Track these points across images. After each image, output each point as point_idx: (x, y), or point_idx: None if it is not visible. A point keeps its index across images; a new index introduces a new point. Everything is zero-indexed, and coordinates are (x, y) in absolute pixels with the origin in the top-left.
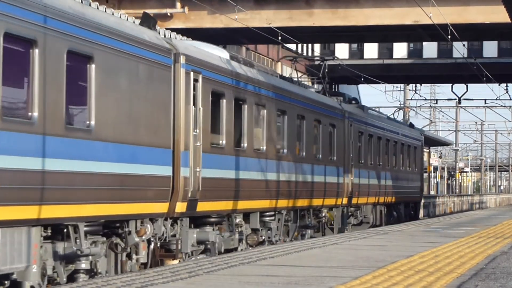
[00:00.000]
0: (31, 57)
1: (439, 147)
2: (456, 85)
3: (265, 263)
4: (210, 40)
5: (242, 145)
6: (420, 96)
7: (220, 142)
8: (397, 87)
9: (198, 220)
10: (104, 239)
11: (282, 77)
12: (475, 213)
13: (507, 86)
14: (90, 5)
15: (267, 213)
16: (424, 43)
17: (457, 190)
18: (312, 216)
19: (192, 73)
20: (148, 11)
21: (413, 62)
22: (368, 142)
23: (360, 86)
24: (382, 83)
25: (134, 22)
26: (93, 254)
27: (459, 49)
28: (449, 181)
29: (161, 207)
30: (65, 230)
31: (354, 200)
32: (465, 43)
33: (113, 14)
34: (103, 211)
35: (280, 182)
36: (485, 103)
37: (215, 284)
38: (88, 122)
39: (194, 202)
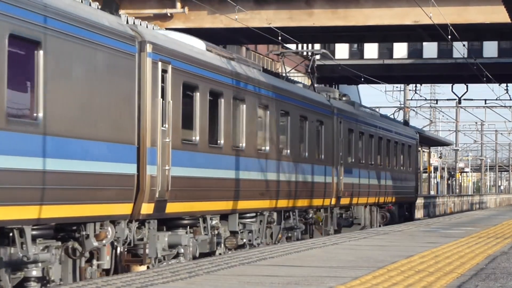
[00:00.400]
0: None
1: (439, 147)
2: (456, 85)
3: (265, 263)
4: (210, 40)
5: (218, 142)
6: (420, 96)
7: (193, 138)
8: (397, 87)
9: (170, 223)
10: (59, 243)
11: (266, 70)
12: (475, 213)
13: (507, 86)
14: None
15: (248, 215)
16: (424, 43)
17: (457, 190)
18: (299, 217)
19: (160, 63)
20: (148, 11)
21: (413, 62)
22: (359, 140)
23: (360, 86)
24: (382, 83)
25: (98, 8)
26: (43, 261)
27: (459, 49)
28: (449, 181)
29: (124, 209)
30: (11, 234)
31: (343, 201)
32: (465, 43)
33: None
34: (54, 213)
35: (262, 182)
36: (485, 103)
37: (215, 284)
38: (35, 114)
39: (162, 203)
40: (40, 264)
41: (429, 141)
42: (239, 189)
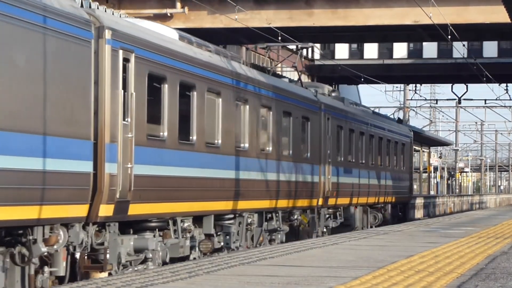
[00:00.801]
0: None
1: (439, 147)
2: (456, 85)
3: (265, 263)
4: (210, 40)
5: (190, 138)
6: (420, 96)
7: (161, 134)
8: (397, 87)
9: (136, 225)
10: (2, 249)
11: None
12: (475, 213)
13: (507, 86)
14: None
15: (226, 216)
16: (424, 43)
17: (457, 190)
18: (282, 219)
19: (121, 51)
20: (148, 11)
21: (413, 62)
22: (349, 138)
23: (360, 86)
24: (382, 83)
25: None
26: None
27: (459, 49)
28: (449, 181)
29: (79, 210)
30: None
31: (331, 201)
32: (465, 43)
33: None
34: None
35: (240, 181)
36: (485, 103)
37: (215, 284)
38: None
39: (124, 204)
40: None
41: (429, 141)
42: (214, 189)
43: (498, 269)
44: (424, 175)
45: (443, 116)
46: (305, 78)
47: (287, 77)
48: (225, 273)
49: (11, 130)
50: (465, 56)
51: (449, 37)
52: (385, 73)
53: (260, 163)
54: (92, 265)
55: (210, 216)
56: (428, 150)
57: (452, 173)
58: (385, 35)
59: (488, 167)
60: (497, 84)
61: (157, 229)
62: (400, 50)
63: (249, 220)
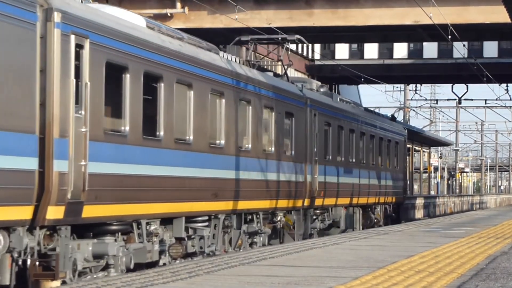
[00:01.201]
0: None
1: (439, 147)
2: (456, 85)
3: (265, 263)
4: (210, 40)
5: (157, 133)
6: (420, 96)
7: (122, 128)
8: (397, 87)
9: (96, 229)
10: None
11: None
12: (475, 213)
13: (507, 86)
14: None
15: (200, 218)
16: (424, 43)
17: (457, 190)
18: (264, 220)
19: (73, 36)
20: (148, 11)
21: (413, 62)
22: (338, 135)
23: (360, 86)
24: (382, 83)
25: None
26: None
27: (459, 49)
28: (449, 182)
29: (21, 213)
30: None
31: (318, 201)
32: (465, 43)
33: None
34: None
35: (215, 180)
36: (485, 103)
37: (215, 284)
38: None
39: (77, 205)
40: None
41: (430, 141)
42: (185, 189)
43: (498, 269)
44: (425, 175)
45: (443, 116)
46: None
47: (272, 71)
48: (225, 273)
49: None
50: (465, 56)
51: (449, 37)
52: (385, 73)
53: (238, 161)
54: (43, 273)
55: (181, 218)
56: (428, 150)
57: (453, 173)
58: (385, 35)
59: (488, 167)
60: (497, 84)
61: (119, 233)
62: (400, 50)
63: (226, 223)
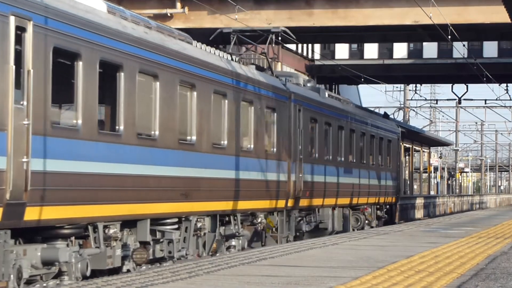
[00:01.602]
0: None
1: (439, 147)
2: (456, 85)
3: (265, 263)
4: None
5: (116, 128)
6: (420, 96)
7: (74, 122)
8: (397, 87)
9: (47, 232)
10: None
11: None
12: (475, 213)
13: (507, 86)
14: None
15: (169, 220)
16: (424, 43)
17: (457, 190)
18: (243, 222)
19: (12, 18)
20: (148, 11)
21: (413, 62)
22: (325, 132)
23: (360, 86)
24: (382, 83)
25: None
26: None
27: (459, 49)
28: (449, 181)
29: None
30: None
31: (303, 202)
32: (465, 43)
33: None
34: None
35: (186, 180)
36: (485, 103)
37: (215, 284)
38: None
39: (17, 207)
40: None
41: (429, 141)
42: (149, 188)
43: (498, 269)
44: (425, 175)
45: (443, 116)
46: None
47: (255, 64)
48: (225, 273)
49: None
50: (465, 56)
51: (449, 37)
52: (385, 73)
53: (212, 158)
54: None
55: (145, 220)
56: (428, 150)
57: (452, 173)
58: (385, 35)
59: (488, 167)
60: (497, 84)
61: (73, 237)
62: (400, 50)
63: (199, 225)
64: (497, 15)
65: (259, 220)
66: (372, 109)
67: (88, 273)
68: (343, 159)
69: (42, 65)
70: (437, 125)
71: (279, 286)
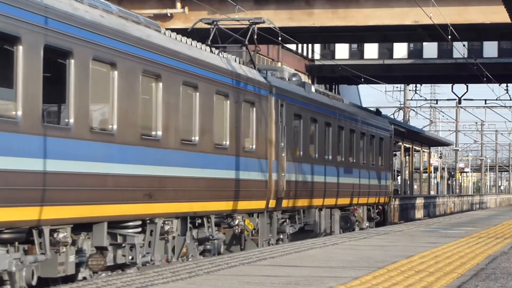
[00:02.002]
0: None
1: (439, 147)
2: (456, 85)
3: (265, 263)
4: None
5: (66, 121)
6: (420, 96)
7: (13, 113)
8: (397, 87)
9: None
10: None
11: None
12: (475, 213)
13: (507, 86)
14: None
15: (131, 223)
16: (424, 43)
17: (457, 190)
18: (219, 225)
19: None
20: (148, 11)
21: (413, 62)
22: (311, 129)
23: (360, 86)
24: (382, 83)
25: None
26: None
27: (459, 49)
28: (449, 182)
29: None
30: None
31: (286, 203)
32: (465, 43)
33: None
34: None
35: (150, 179)
36: (485, 103)
37: (215, 284)
38: None
39: None
40: None
41: (429, 141)
42: (106, 188)
43: (498, 269)
44: (425, 175)
45: (443, 116)
46: (305, 79)
47: (236, 57)
48: (225, 273)
49: None
50: (465, 56)
51: (449, 37)
52: (385, 73)
53: (180, 156)
54: None
55: (102, 224)
56: (428, 150)
57: (452, 173)
58: (385, 35)
59: (488, 167)
60: (497, 84)
61: (16, 242)
62: (400, 50)
63: (166, 228)
64: (497, 15)
65: (236, 222)
66: (372, 109)
67: (34, 282)
68: (330, 157)
69: None
70: (437, 125)
71: (279, 286)
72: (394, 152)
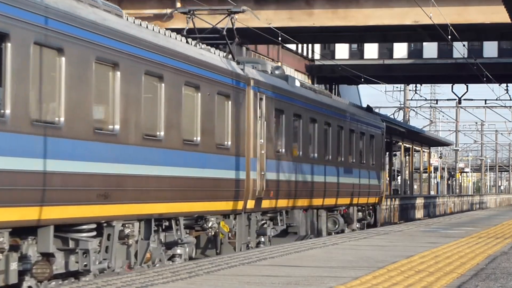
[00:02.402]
0: None
1: (439, 147)
2: (456, 85)
3: (265, 263)
4: (210, 39)
5: (1, 111)
6: (420, 96)
7: None
8: (397, 87)
9: None
10: None
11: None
12: (475, 213)
13: (507, 86)
14: None
15: (85, 227)
16: (424, 43)
17: (457, 190)
18: (190, 227)
19: None
20: (148, 11)
21: (413, 62)
22: (295, 125)
23: (360, 86)
24: (382, 83)
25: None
26: None
27: (459, 49)
28: (449, 182)
29: None
30: None
31: (267, 203)
32: (465, 43)
33: None
34: None
35: (105, 178)
36: (485, 103)
37: (215, 284)
38: None
39: None
40: None
41: (429, 141)
42: (52, 188)
43: (498, 269)
44: (425, 175)
45: (443, 116)
46: (305, 79)
47: (215, 49)
48: (225, 273)
49: None
50: (465, 56)
51: (449, 37)
52: (385, 73)
53: (142, 152)
54: None
55: (48, 227)
56: (428, 150)
57: (452, 173)
58: (385, 35)
59: (488, 167)
60: (497, 84)
61: None
62: (400, 50)
63: (127, 231)
64: (497, 15)
65: (209, 225)
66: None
67: None
68: (316, 155)
69: None
70: (437, 125)
71: (279, 286)
72: (394, 152)
